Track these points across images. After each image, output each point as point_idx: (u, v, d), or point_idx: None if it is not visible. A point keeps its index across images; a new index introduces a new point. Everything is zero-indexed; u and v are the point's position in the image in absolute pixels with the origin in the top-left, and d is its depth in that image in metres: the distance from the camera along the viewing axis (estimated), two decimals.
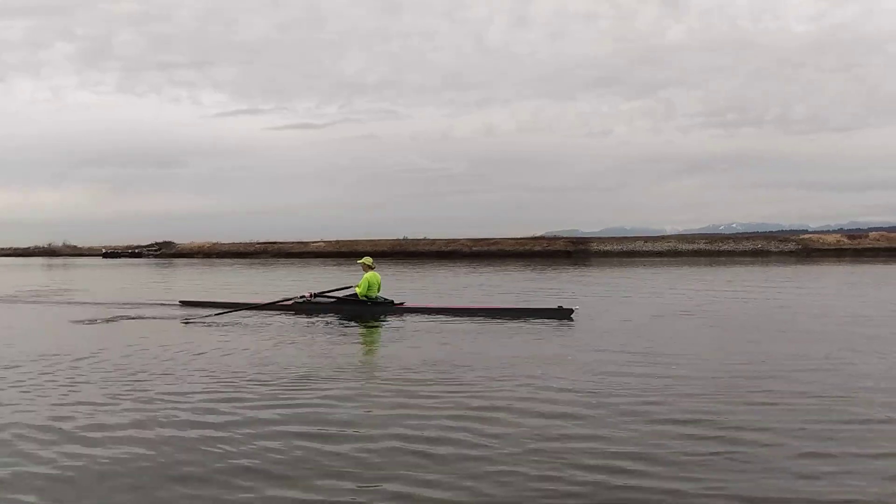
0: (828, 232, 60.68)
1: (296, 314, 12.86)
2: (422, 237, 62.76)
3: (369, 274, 13.09)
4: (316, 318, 12.31)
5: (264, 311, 13.17)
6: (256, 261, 53.48)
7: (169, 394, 6.37)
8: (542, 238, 58.80)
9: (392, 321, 11.94)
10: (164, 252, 68.03)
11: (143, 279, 29.62)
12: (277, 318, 12.45)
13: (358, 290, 13.00)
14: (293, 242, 64.88)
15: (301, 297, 13.24)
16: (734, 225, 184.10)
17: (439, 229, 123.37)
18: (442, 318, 12.04)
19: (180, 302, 15.01)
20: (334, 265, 42.40)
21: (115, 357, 8.35)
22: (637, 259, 46.86)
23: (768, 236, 57.90)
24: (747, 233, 63.96)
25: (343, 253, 58.20)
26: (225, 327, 11.35)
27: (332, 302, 13.19)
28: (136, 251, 69.57)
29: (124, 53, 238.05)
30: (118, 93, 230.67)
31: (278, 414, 5.63)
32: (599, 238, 59.57)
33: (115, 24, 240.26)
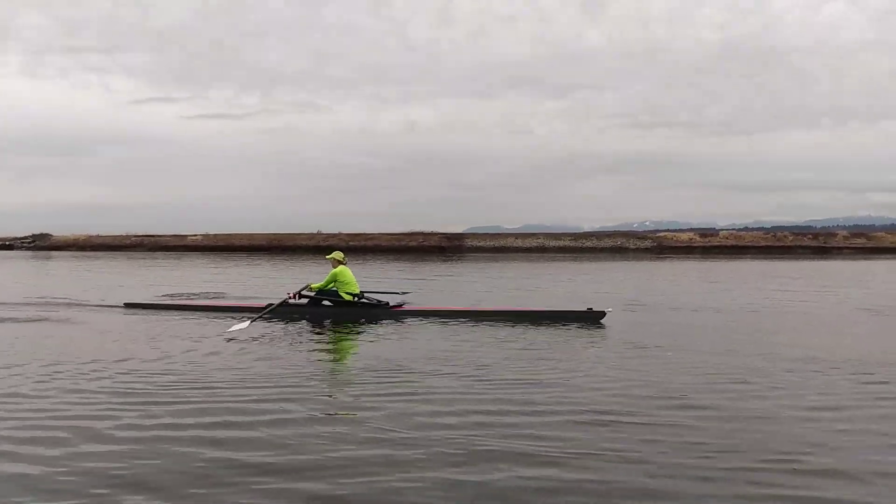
0: (682, 230, 65.26)
1: (268, 319, 11.31)
2: (336, 231, 62.47)
3: (338, 269, 11.78)
4: (287, 324, 11.06)
5: (227, 315, 11.78)
6: (137, 253, 51.85)
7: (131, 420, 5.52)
8: (417, 234, 59.90)
9: (386, 325, 10.74)
10: (39, 244, 64.42)
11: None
12: (261, 324, 10.94)
13: (315, 287, 11.81)
14: (170, 235, 63.02)
15: (282, 300, 11.66)
16: (647, 223, 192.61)
17: (360, 224, 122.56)
18: (445, 321, 11.00)
19: (125, 304, 13.55)
20: (209, 261, 41.82)
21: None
22: (508, 255, 48.90)
23: (627, 234, 61.70)
24: (606, 231, 67.59)
25: (219, 247, 57.16)
26: (181, 334, 10.02)
27: (315, 304, 11.90)
28: (8, 243, 65.55)
29: (28, 36, 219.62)
30: (20, 76, 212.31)
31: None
32: (473, 234, 61.28)
33: (20, 5, 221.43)
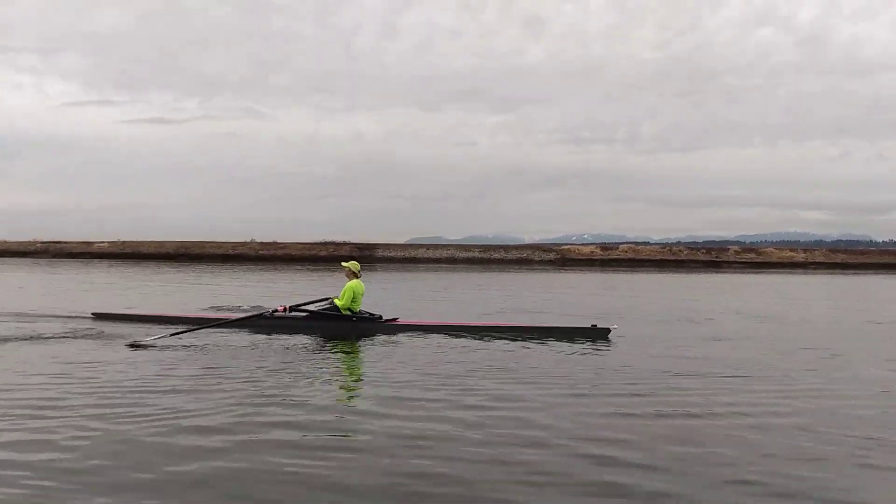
0: (585, 244, 68.07)
1: (251, 331, 10.86)
2: (272, 241, 61.88)
3: (353, 282, 11.18)
4: (282, 337, 10.34)
5: (219, 329, 10.95)
6: (42, 260, 50.26)
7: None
8: (329, 243, 60.33)
9: (383, 341, 10.19)
10: None
11: None
12: (233, 336, 10.50)
13: (339, 303, 11.02)
14: (76, 242, 61.13)
15: (273, 311, 10.97)
16: (585, 236, 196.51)
17: (303, 233, 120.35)
18: (445, 337, 10.50)
19: (93, 315, 12.71)
20: (108, 270, 41.17)
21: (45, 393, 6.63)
22: (419, 265, 50.04)
23: (533, 246, 64.03)
24: (516, 244, 69.74)
25: (126, 254, 55.98)
26: (172, 350, 9.20)
27: (304, 317, 11.14)
28: None
29: None
30: None
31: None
32: (385, 244, 62.13)
33: None
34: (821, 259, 60.13)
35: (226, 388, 6.82)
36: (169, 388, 6.83)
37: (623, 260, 56.87)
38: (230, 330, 10.96)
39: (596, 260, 56.93)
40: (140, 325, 11.66)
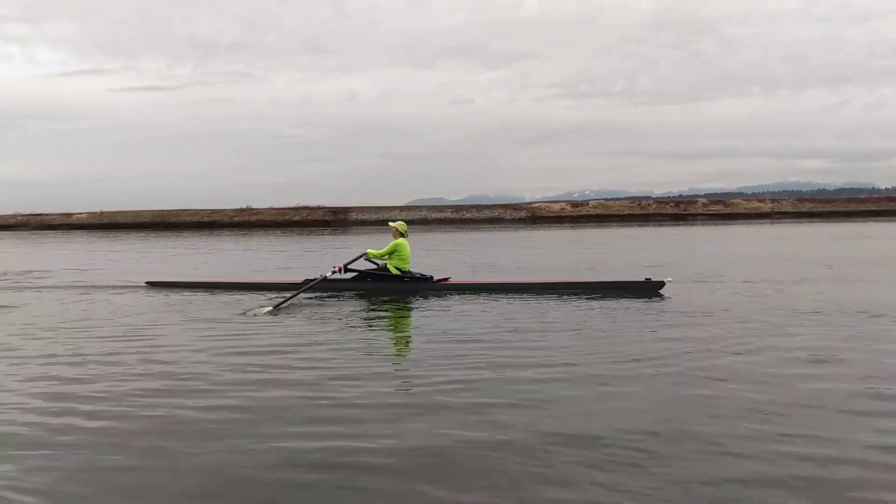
0: (555, 201, 69.04)
1: (313, 297, 10.84)
2: (267, 206, 61.92)
3: (400, 241, 11.24)
4: (338, 301, 10.42)
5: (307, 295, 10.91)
6: (24, 232, 50.27)
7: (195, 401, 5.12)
8: (302, 208, 60.56)
9: (436, 302, 10.09)
10: None
11: None
12: (305, 302, 10.41)
13: (374, 253, 11.20)
14: (56, 214, 61.03)
15: (332, 272, 11.03)
16: (587, 192, 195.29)
17: (296, 196, 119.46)
18: (498, 297, 10.40)
19: (146, 283, 12.73)
20: (95, 238, 41.32)
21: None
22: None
23: (505, 206, 64.63)
24: (488, 204, 70.45)
25: (104, 225, 55.98)
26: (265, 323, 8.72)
27: (356, 278, 11.34)
28: None
29: None
30: None
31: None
32: (359, 207, 62.48)
33: None
34: (788, 209, 61.66)
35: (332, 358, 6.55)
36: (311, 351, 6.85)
37: (592, 216, 57.90)
38: (306, 295, 10.85)
39: (566, 217, 57.90)
40: (195, 291, 11.78)
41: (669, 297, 10.07)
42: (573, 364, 6.08)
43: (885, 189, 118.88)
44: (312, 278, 11.18)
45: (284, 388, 5.52)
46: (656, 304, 9.65)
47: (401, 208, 62.86)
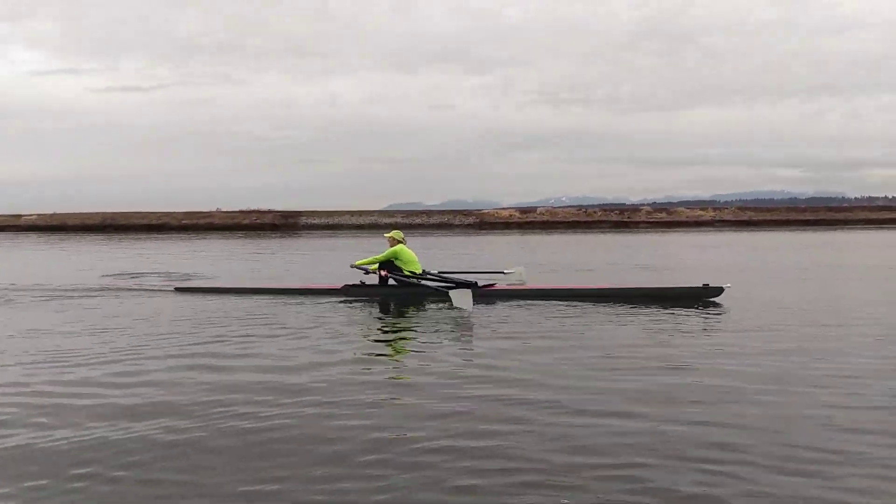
0: (503, 208, 69.99)
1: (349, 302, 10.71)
2: (258, 208, 61.37)
3: (398, 247, 11.05)
4: (366, 306, 10.38)
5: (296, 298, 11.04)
6: None
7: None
8: (252, 211, 60.38)
9: (478, 307, 9.56)
10: None
11: None
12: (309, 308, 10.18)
13: (373, 259, 11.15)
14: (5, 215, 60.07)
15: (360, 278, 11.27)
16: (563, 198, 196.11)
17: (281, 200, 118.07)
18: (547, 303, 10.10)
19: (175, 289, 12.62)
20: (45, 242, 40.71)
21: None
22: (341, 231, 50.87)
23: (454, 212, 65.44)
24: (441, 209, 71.06)
25: (54, 227, 55.04)
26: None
27: (389, 285, 11.12)
28: None
29: None
30: None
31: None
32: (309, 212, 62.46)
33: None
34: (729, 217, 63.83)
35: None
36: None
37: (538, 223, 58.97)
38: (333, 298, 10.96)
39: (513, 223, 58.85)
40: (224, 296, 11.61)
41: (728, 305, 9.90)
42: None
43: (855, 199, 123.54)
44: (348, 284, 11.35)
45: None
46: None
47: (351, 213, 63.05)
